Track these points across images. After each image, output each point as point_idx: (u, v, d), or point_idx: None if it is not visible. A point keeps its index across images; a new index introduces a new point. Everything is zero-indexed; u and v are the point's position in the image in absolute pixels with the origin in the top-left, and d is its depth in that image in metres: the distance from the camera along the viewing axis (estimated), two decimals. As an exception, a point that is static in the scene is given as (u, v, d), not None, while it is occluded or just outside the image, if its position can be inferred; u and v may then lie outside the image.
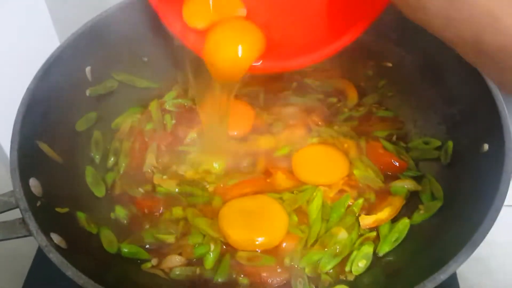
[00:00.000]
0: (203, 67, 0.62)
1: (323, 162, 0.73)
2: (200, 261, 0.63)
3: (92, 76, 0.74)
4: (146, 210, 0.68)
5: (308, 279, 0.61)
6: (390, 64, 0.81)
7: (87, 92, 0.74)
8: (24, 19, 0.82)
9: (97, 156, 0.73)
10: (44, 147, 0.63)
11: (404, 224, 0.65)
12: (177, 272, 0.62)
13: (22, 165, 0.56)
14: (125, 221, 0.68)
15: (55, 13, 0.92)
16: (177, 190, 0.70)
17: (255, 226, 0.64)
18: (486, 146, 0.62)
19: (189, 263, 0.62)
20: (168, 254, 0.63)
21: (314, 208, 0.67)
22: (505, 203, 0.54)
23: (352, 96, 0.82)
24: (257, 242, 0.63)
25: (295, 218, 0.66)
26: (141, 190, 0.70)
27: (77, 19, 0.73)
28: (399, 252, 0.63)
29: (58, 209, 0.60)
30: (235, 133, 0.77)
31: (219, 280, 0.62)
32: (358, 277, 0.62)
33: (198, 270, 0.62)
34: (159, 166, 0.73)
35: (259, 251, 0.63)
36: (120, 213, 0.68)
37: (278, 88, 0.82)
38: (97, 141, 0.74)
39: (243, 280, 0.61)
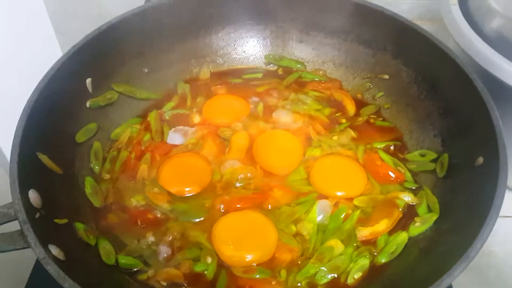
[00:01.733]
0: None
1: (343, 174, 0.73)
2: (196, 275, 0.62)
3: (93, 87, 0.75)
4: (139, 222, 0.67)
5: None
6: (387, 76, 0.82)
7: (88, 104, 0.75)
8: (26, 30, 0.83)
9: (97, 167, 0.73)
10: (44, 158, 0.64)
11: (402, 237, 0.65)
12: None
13: (21, 176, 0.57)
14: (117, 231, 0.66)
15: (57, 24, 0.92)
16: (167, 207, 0.69)
17: (246, 243, 0.64)
18: (481, 159, 0.62)
19: (186, 276, 0.62)
20: (165, 267, 0.63)
21: (311, 220, 0.67)
22: (502, 214, 0.54)
23: (350, 107, 0.82)
24: (247, 259, 0.63)
25: (292, 229, 0.66)
26: (133, 200, 0.70)
27: (79, 30, 0.74)
28: (394, 264, 0.63)
29: (57, 220, 0.60)
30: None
31: None
32: (354, 289, 0.62)
33: None
34: (150, 177, 0.72)
35: (254, 265, 0.63)
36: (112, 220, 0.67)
37: (275, 98, 0.83)
38: (96, 151, 0.74)
39: None
